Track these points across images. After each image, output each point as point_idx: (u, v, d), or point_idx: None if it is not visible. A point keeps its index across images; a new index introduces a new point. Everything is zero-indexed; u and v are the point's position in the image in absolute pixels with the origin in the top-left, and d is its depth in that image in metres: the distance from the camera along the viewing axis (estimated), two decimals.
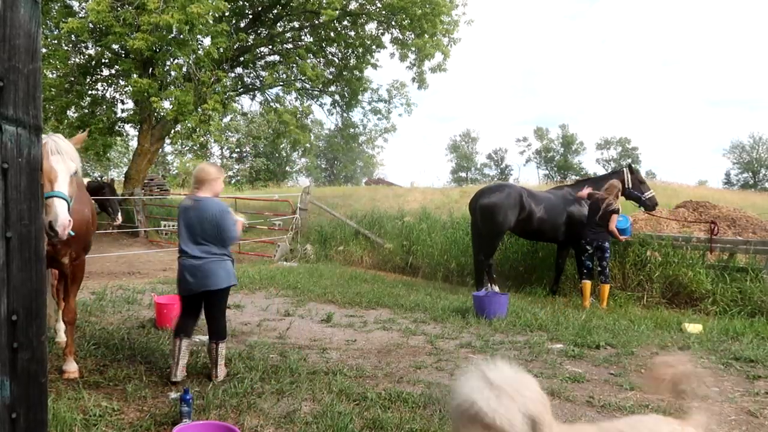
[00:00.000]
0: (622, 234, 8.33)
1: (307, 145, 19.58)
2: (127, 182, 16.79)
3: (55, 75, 15.50)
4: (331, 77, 19.10)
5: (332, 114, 20.76)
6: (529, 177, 76.87)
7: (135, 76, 15.00)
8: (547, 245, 9.90)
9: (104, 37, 14.12)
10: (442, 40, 16.54)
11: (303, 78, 18.01)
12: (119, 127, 18.07)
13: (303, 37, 18.63)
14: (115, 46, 15.36)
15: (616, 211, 8.18)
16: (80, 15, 15.05)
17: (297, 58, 17.17)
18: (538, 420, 1.36)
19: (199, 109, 14.61)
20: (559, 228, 8.92)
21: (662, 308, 8.19)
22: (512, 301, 7.60)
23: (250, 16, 18.05)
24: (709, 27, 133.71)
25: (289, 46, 18.47)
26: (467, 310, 7.27)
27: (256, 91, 19.64)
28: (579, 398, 4.24)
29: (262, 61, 19.26)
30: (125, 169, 19.79)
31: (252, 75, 19.68)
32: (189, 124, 15.31)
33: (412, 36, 16.51)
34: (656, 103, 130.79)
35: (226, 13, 16.59)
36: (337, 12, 15.37)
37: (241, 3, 17.59)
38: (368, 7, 17.15)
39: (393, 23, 16.73)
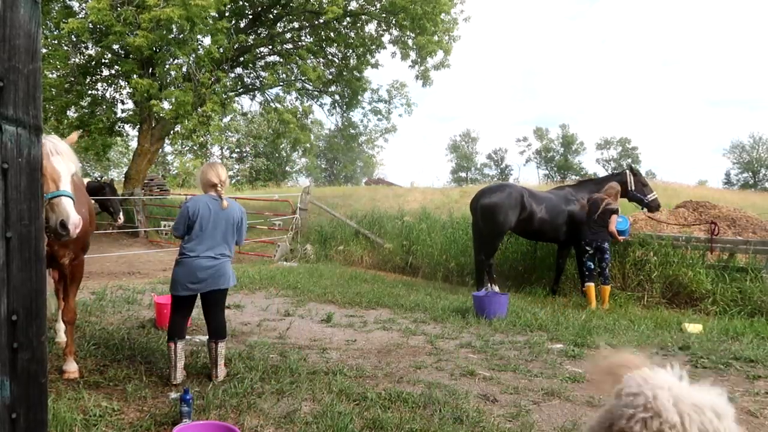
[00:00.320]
0: (621, 235, 8.33)
1: (307, 145, 19.56)
2: (127, 182, 16.79)
3: (55, 75, 15.50)
4: (331, 77, 19.10)
5: (332, 114, 20.78)
6: (529, 177, 76.93)
7: (135, 76, 15.00)
8: (547, 245, 9.91)
9: (104, 37, 14.11)
10: (443, 38, 16.54)
11: (303, 78, 18.02)
12: (119, 127, 18.07)
13: (303, 38, 18.62)
14: (115, 47, 15.36)
15: (615, 212, 8.18)
16: (80, 15, 15.04)
17: (297, 58, 17.17)
18: None
19: (199, 110, 14.61)
20: (560, 228, 8.92)
21: (662, 308, 8.19)
22: (512, 301, 7.61)
23: (250, 16, 18.05)
24: (709, 27, 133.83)
25: (289, 46, 18.46)
26: (467, 310, 7.27)
27: (256, 91, 19.63)
28: (579, 398, 4.24)
29: (262, 61, 19.26)
30: (125, 169, 19.80)
31: (252, 75, 19.68)
32: (188, 125, 15.31)
33: (413, 36, 16.51)
34: (656, 103, 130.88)
35: (227, 14, 16.61)
36: (340, 10, 15.36)
37: (241, 3, 17.59)
38: (368, 7, 17.15)
39: (393, 23, 16.72)
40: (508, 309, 7.17)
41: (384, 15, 16.69)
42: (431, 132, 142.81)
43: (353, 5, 17.21)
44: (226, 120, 19.19)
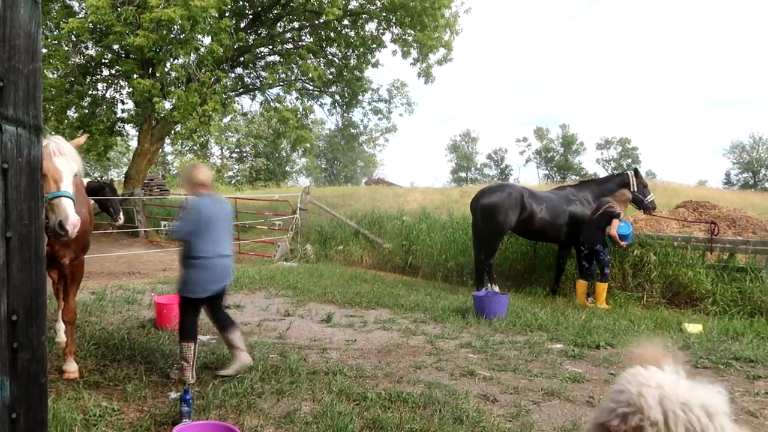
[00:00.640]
0: (624, 240, 8.32)
1: (308, 144, 19.57)
2: (127, 182, 16.79)
3: (55, 75, 15.50)
4: (331, 77, 19.10)
5: (332, 114, 20.78)
6: (529, 177, 76.91)
7: (136, 77, 15.00)
8: (547, 245, 9.91)
9: (105, 37, 14.11)
10: (443, 34, 16.53)
11: (303, 78, 18.02)
12: (119, 127, 18.07)
13: (303, 38, 18.63)
14: (115, 47, 15.36)
15: (617, 216, 8.19)
16: (80, 15, 15.04)
17: (297, 58, 17.17)
18: None
19: (199, 110, 14.60)
20: (561, 228, 8.92)
21: (662, 308, 8.19)
22: (512, 301, 7.61)
23: (250, 16, 18.05)
24: (708, 27, 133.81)
25: (290, 46, 18.47)
26: (467, 310, 7.27)
27: (257, 91, 19.64)
28: (579, 398, 4.24)
29: (263, 61, 19.26)
30: (125, 169, 19.80)
31: (252, 75, 19.68)
32: (189, 125, 15.30)
33: (413, 33, 16.50)
34: (656, 103, 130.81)
35: (227, 14, 16.60)
36: (340, 11, 15.36)
37: (241, 3, 17.59)
38: (368, 6, 17.15)
39: (393, 21, 16.72)
40: (508, 309, 7.17)
41: (384, 14, 16.69)
42: (431, 132, 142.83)
43: (353, 4, 17.21)
44: (226, 120, 19.18)
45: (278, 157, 52.02)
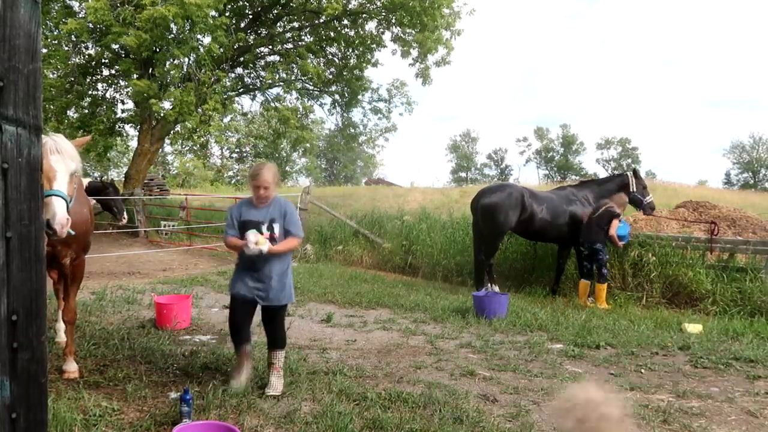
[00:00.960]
0: (621, 240, 8.34)
1: (308, 145, 19.57)
2: (127, 182, 16.78)
3: (55, 75, 15.50)
4: (331, 77, 19.10)
5: (332, 114, 20.78)
6: (529, 177, 76.88)
7: (135, 77, 14.99)
8: (546, 245, 9.91)
9: (104, 36, 14.11)
10: (443, 34, 16.51)
11: (303, 78, 18.01)
12: (119, 127, 18.07)
13: (303, 37, 18.62)
14: (115, 46, 15.35)
15: (616, 216, 8.22)
16: (80, 15, 15.04)
17: (297, 58, 17.17)
18: None
19: (200, 110, 14.59)
20: (561, 228, 8.92)
21: (662, 308, 8.19)
22: (512, 301, 7.61)
23: (250, 16, 18.05)
24: (708, 27, 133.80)
25: (290, 46, 18.46)
26: (467, 310, 7.27)
27: (257, 91, 19.63)
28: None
29: (263, 61, 19.26)
30: (125, 169, 19.79)
31: (252, 75, 19.68)
32: (189, 125, 15.27)
33: (413, 33, 16.49)
34: (656, 103, 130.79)
35: (227, 13, 16.59)
36: (340, 7, 15.35)
37: (241, 2, 17.59)
38: (368, 5, 17.14)
39: (393, 20, 16.71)
40: (508, 309, 7.17)
41: (384, 12, 16.68)
42: (431, 132, 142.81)
43: (353, 4, 17.21)
44: (226, 120, 19.18)
45: (278, 157, 51.99)
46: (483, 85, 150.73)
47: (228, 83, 16.44)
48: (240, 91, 19.29)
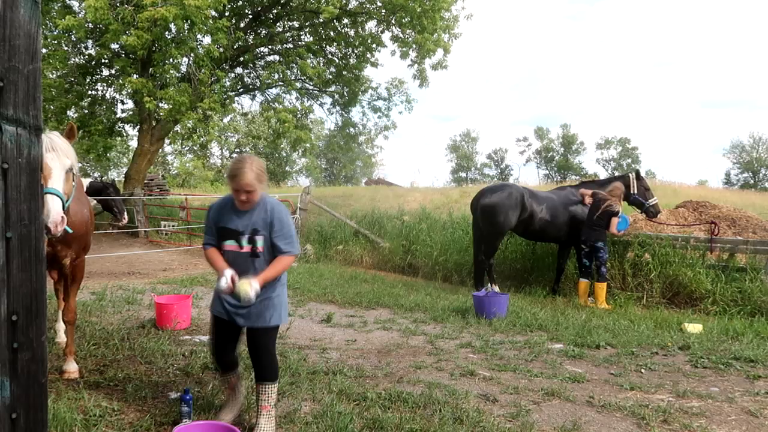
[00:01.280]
0: (619, 230, 8.37)
1: (307, 145, 19.57)
2: (127, 182, 16.79)
3: (54, 75, 15.50)
4: (331, 77, 19.10)
5: (332, 113, 20.78)
6: (529, 177, 76.92)
7: (135, 76, 14.99)
8: (546, 245, 9.91)
9: (103, 36, 14.12)
10: (442, 36, 16.53)
11: (303, 78, 18.01)
12: (119, 127, 18.08)
13: (303, 37, 18.63)
14: (114, 46, 15.36)
15: (616, 214, 8.21)
16: (80, 15, 15.05)
17: (297, 57, 17.17)
18: None
19: (198, 109, 14.58)
20: (562, 228, 8.92)
21: (662, 308, 8.19)
22: (512, 301, 7.61)
23: (250, 16, 18.06)
24: (705, 27, 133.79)
25: (289, 45, 18.47)
26: (467, 310, 7.27)
27: (256, 91, 19.64)
28: (579, 398, 4.24)
29: (262, 60, 19.27)
30: (125, 169, 19.79)
31: (252, 75, 19.69)
32: (189, 124, 15.26)
33: (413, 33, 16.51)
34: (656, 103, 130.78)
35: (227, 13, 16.60)
36: (337, 11, 15.36)
37: (240, 2, 17.59)
38: (368, 5, 17.15)
39: (393, 21, 16.72)
40: (508, 309, 7.17)
41: (384, 12, 16.69)
42: (431, 132, 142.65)
43: (353, 4, 17.22)
44: (226, 120, 19.19)
45: (278, 157, 52.01)
46: (483, 84, 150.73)
47: (228, 83, 16.44)
48: (240, 91, 19.29)
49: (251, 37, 17.74)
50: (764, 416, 3.96)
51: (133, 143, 22.35)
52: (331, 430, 3.45)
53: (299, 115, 18.26)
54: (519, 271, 10.31)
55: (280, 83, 18.53)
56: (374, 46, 18.15)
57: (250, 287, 3.19)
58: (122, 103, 18.12)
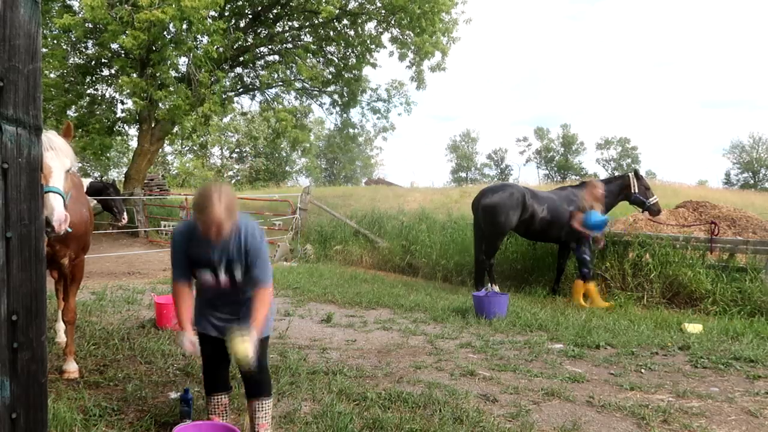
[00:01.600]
0: (594, 229, 8.33)
1: (307, 144, 19.58)
2: (127, 182, 16.79)
3: (54, 75, 15.50)
4: (330, 77, 19.10)
5: (331, 114, 20.77)
6: (529, 177, 76.88)
7: (135, 75, 14.99)
8: (546, 245, 9.91)
9: (101, 35, 14.12)
10: (441, 39, 16.53)
11: (302, 78, 18.01)
12: (119, 127, 18.07)
13: (302, 37, 18.62)
14: (114, 46, 15.36)
15: (581, 209, 8.35)
16: (80, 14, 15.05)
17: (296, 57, 17.17)
18: None
19: (198, 110, 14.58)
20: (562, 228, 8.92)
21: (662, 308, 8.19)
22: (512, 301, 7.60)
23: (250, 16, 18.05)
24: (705, 28, 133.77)
25: (289, 45, 18.47)
26: (467, 310, 7.27)
27: (256, 91, 19.63)
28: (579, 398, 4.24)
29: (262, 60, 19.26)
30: (125, 169, 19.80)
31: (252, 75, 19.68)
32: (188, 125, 15.26)
33: (412, 35, 16.51)
34: (656, 103, 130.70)
35: (226, 13, 16.59)
36: (337, 11, 15.36)
37: (240, 3, 17.59)
38: (368, 6, 17.15)
39: (392, 22, 16.72)
40: (508, 309, 7.17)
41: (383, 13, 16.70)
42: (431, 132, 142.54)
43: (352, 4, 17.21)
44: (226, 120, 19.21)
45: (278, 157, 52.03)
46: (483, 84, 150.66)
47: (227, 83, 16.44)
48: (239, 91, 19.28)
49: (251, 37, 17.73)
50: (764, 416, 3.96)
51: (133, 143, 22.35)
52: (331, 430, 3.45)
53: (298, 115, 18.25)
54: (519, 271, 10.31)
55: (280, 83, 18.53)
56: (373, 47, 18.15)
57: (248, 346, 2.83)
58: (122, 103, 18.14)
